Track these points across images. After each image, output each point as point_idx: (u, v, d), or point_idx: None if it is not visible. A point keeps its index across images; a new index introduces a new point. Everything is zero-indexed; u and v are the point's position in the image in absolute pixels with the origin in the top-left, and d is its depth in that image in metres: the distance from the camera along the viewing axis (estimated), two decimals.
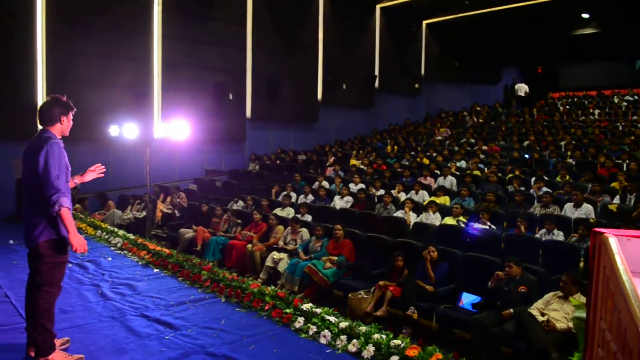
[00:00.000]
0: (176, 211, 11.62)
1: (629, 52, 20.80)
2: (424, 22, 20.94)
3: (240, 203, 10.88)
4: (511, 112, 19.47)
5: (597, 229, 1.71)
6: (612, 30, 18.82)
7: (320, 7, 17.15)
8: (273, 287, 5.10)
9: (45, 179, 3.36)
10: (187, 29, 13.73)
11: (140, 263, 6.56)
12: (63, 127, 3.66)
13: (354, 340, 3.83)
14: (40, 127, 3.67)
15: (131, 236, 7.70)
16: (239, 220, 9.52)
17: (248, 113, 15.57)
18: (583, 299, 4.92)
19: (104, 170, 4.07)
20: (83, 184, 4.15)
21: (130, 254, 6.97)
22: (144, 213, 11.26)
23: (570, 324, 4.76)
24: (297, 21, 16.58)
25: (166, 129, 10.78)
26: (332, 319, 4.18)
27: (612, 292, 1.41)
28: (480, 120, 18.98)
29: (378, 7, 19.08)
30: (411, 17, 20.22)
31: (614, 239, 1.54)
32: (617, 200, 8.36)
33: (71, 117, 3.72)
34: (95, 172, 4.03)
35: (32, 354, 3.58)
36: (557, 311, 5.00)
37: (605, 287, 1.55)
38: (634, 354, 1.08)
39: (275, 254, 8.01)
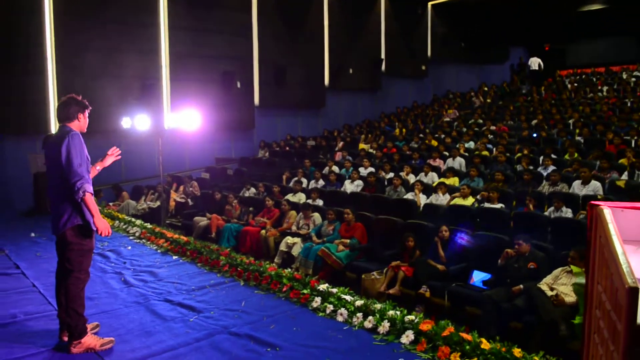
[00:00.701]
0: (189, 200, 11.82)
1: (637, 27, 20.55)
2: (429, 4, 20.84)
3: (252, 190, 11.05)
4: (527, 89, 19.47)
5: (593, 202, 1.85)
6: (620, 6, 18.64)
7: None
8: (289, 270, 5.28)
9: (68, 167, 3.56)
10: (193, 18, 13.82)
11: (159, 251, 6.77)
12: (80, 123, 3.88)
13: (370, 317, 4.00)
14: (59, 124, 3.88)
15: (149, 225, 7.90)
16: (251, 208, 9.69)
17: (256, 101, 15.69)
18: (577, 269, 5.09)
19: (120, 152, 4.24)
20: (97, 178, 4.31)
21: (148, 242, 7.18)
22: (158, 203, 11.47)
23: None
24: (302, 6, 16.60)
25: (176, 119, 10.95)
26: (348, 297, 4.36)
27: (606, 259, 1.55)
28: (488, 101, 18.97)
29: None
30: None
31: (609, 210, 1.68)
32: (625, 176, 8.42)
33: (87, 114, 3.93)
34: (113, 155, 4.20)
35: (65, 339, 3.78)
36: (565, 285, 5.13)
37: (601, 255, 1.69)
38: (623, 310, 1.22)
39: (289, 239, 8.17)
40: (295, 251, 7.96)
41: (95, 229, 3.69)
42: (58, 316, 3.82)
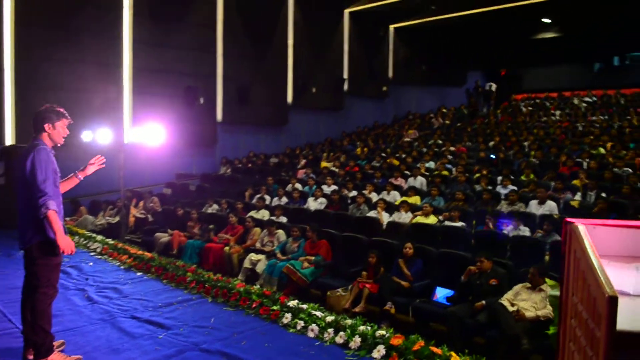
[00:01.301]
0: (149, 216, 11.62)
1: (588, 55, 21.75)
2: (391, 27, 21.36)
3: (215, 206, 10.97)
4: (489, 110, 20.22)
5: (568, 219, 1.98)
6: (572, 35, 19.62)
7: (290, 11, 17.35)
8: (258, 287, 5.27)
9: (32, 183, 3.48)
10: (157, 33, 13.75)
11: (122, 267, 6.63)
12: (52, 135, 3.74)
13: (341, 333, 4.05)
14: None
15: (110, 241, 7.74)
16: (211, 226, 9.57)
17: (219, 117, 15.66)
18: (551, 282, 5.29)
19: (104, 160, 4.13)
20: None
21: (110, 258, 7.03)
22: (117, 218, 11.24)
23: (539, 313, 5.09)
24: (267, 25, 16.75)
25: (137, 134, 10.77)
26: (318, 313, 4.39)
27: (582, 271, 1.66)
28: (447, 122, 19.48)
29: (346, 11, 19.40)
30: (379, 22, 20.61)
31: (583, 227, 1.80)
32: (578, 197, 8.80)
33: (62, 125, 3.79)
34: (95, 164, 4.11)
35: (30, 357, 3.66)
36: (525, 301, 5.32)
37: (576, 267, 1.80)
38: (603, 317, 1.32)
39: (253, 256, 8.14)
40: (260, 268, 7.92)
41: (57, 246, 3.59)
42: (22, 333, 3.70)
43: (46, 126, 3.71)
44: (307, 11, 17.78)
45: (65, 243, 3.57)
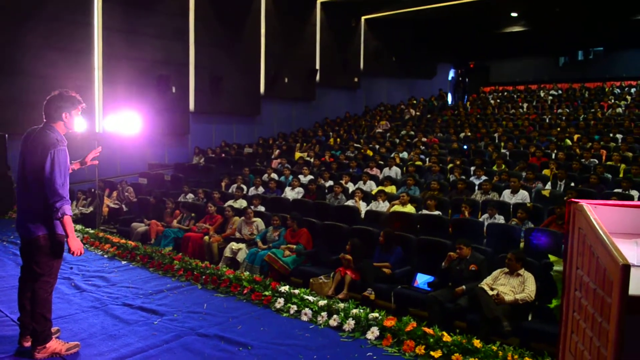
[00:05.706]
0: (123, 205, 11.52)
1: (554, 49, 22.37)
2: (363, 18, 21.49)
3: (190, 195, 10.95)
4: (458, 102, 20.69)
5: (572, 199, 2.14)
6: (539, 29, 20.15)
7: (262, 1, 17.29)
8: (248, 273, 5.35)
9: (49, 186, 3.41)
10: (128, 20, 13.53)
11: (105, 256, 6.60)
12: (67, 123, 3.66)
13: (334, 316, 4.16)
14: (44, 121, 3.67)
15: (90, 230, 7.67)
16: (193, 214, 9.60)
17: (191, 106, 15.54)
18: (528, 274, 5.53)
19: (100, 150, 4.13)
20: None
21: (92, 247, 6.98)
22: (91, 208, 11.11)
23: (517, 296, 5.33)
24: (240, 14, 16.65)
25: (109, 122, 10.61)
26: (310, 298, 4.50)
27: (589, 245, 1.81)
28: (418, 113, 19.79)
29: (318, 2, 19.43)
30: (350, 13, 20.72)
31: (587, 205, 1.96)
32: (548, 186, 9.14)
33: (77, 112, 3.70)
34: (93, 153, 4.10)
35: (26, 344, 3.66)
36: (504, 285, 5.55)
37: (581, 243, 1.96)
38: (615, 284, 1.46)
39: (234, 244, 8.19)
40: (240, 257, 7.98)
41: (67, 247, 3.56)
42: (19, 320, 3.69)
43: (64, 115, 3.62)
44: (280, 1, 17.76)
45: (76, 245, 3.54)
